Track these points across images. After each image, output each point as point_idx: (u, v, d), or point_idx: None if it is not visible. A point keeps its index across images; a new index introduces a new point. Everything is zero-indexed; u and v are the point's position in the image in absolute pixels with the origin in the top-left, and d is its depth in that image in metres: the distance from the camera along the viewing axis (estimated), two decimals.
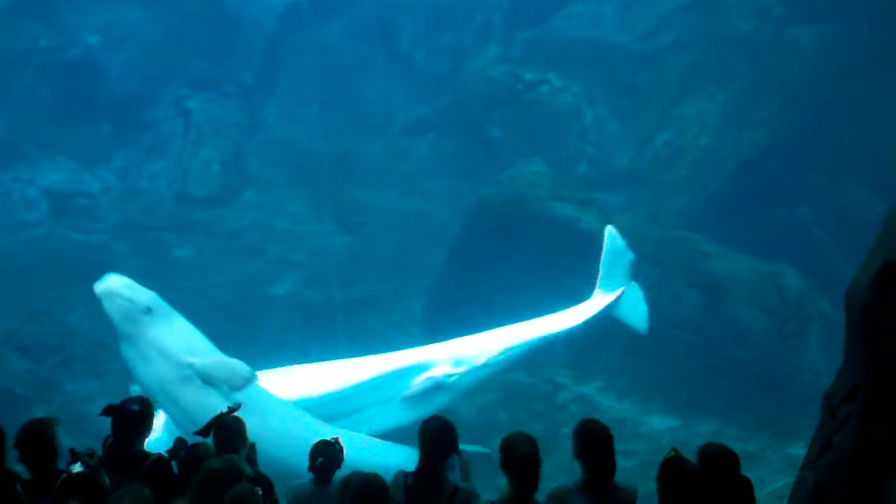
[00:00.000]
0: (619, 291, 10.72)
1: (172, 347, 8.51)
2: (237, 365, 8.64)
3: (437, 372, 9.96)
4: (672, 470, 4.60)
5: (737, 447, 4.82)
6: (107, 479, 4.91)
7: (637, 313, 10.76)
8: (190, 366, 8.51)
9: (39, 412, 9.70)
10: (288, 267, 13.46)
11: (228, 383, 8.55)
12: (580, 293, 11.38)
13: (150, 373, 8.52)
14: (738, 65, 13.66)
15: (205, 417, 5.51)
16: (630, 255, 10.88)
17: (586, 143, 14.55)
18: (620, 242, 10.88)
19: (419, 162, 15.32)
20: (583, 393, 11.19)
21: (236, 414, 5.40)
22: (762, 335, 10.97)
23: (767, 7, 13.77)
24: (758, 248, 11.61)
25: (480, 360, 10.16)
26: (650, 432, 10.53)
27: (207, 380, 8.55)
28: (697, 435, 9.85)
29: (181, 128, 14.88)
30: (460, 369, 10.04)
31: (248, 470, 4.94)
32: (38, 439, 4.93)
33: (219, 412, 5.41)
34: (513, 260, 12.17)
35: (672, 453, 4.67)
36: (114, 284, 8.47)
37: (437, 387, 9.90)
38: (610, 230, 10.97)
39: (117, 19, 14.84)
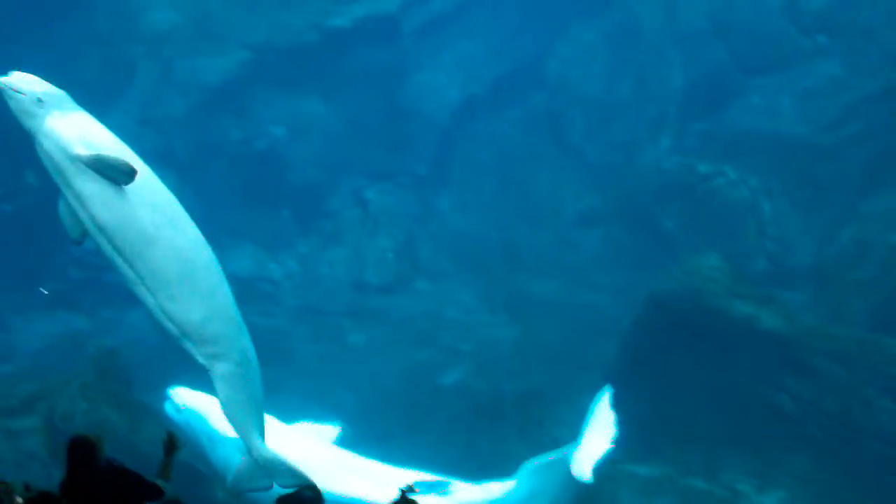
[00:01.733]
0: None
1: (63, 138, 8.43)
2: (117, 162, 8.45)
3: None
4: None
5: None
6: None
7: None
8: (79, 157, 8.43)
9: (220, 493, 10.04)
10: (457, 356, 13.56)
11: (115, 179, 8.46)
12: (757, 395, 10.97)
13: (50, 166, 8.56)
14: None
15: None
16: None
17: (765, 238, 14.16)
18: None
19: (589, 254, 15.26)
20: None
21: None
22: None
23: None
24: None
25: None
26: None
27: (98, 171, 8.45)
28: None
29: (359, 217, 15.41)
30: None
31: None
32: None
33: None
34: (687, 357, 11.85)
35: None
36: (11, 79, 8.45)
37: None
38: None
39: (301, 112, 15.60)
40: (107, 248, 8.71)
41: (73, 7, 15.33)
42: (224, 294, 9.19)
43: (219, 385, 9.00)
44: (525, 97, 16.71)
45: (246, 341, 9.27)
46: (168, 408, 10.39)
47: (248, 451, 9.16)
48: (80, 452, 5.48)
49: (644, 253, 14.45)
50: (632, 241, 14.91)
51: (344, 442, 10.41)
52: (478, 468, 11.10)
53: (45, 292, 13.36)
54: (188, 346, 8.94)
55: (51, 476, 9.60)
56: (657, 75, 16.13)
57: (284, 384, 11.21)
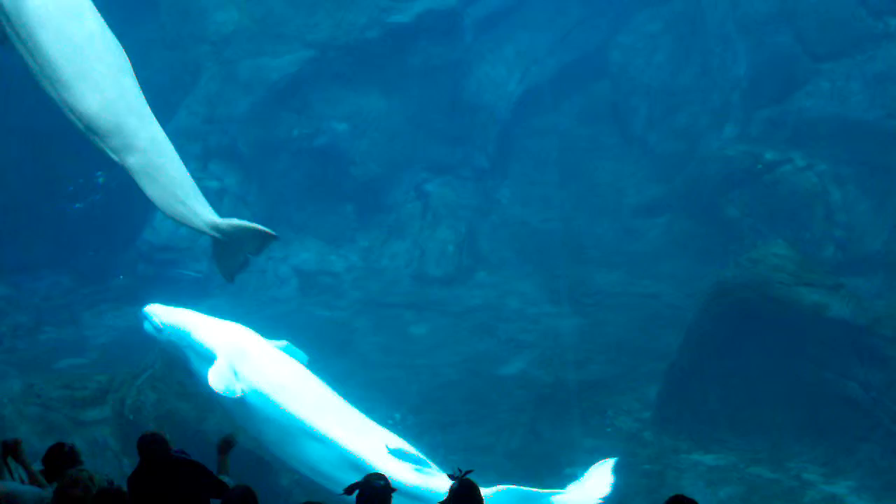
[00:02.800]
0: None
1: None
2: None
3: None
4: None
5: None
6: None
7: None
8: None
9: (284, 480, 10.18)
10: (518, 347, 13.53)
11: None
12: (825, 384, 10.70)
13: None
14: None
15: None
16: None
17: (834, 225, 13.83)
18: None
19: (652, 243, 15.09)
20: (833, 493, 10.40)
21: None
22: None
23: None
24: None
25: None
26: None
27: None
28: None
29: (419, 210, 15.49)
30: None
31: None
32: None
33: None
34: (753, 346, 11.63)
35: None
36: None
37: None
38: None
39: (362, 108, 15.75)
40: (10, 33, 8.88)
41: (140, 10, 15.70)
42: (123, 83, 9.13)
43: (138, 179, 9.03)
44: (586, 87, 16.62)
45: (154, 129, 9.21)
46: (147, 328, 10.30)
47: (200, 230, 9.19)
48: (150, 449, 5.58)
49: (708, 242, 14.23)
50: (695, 230, 14.70)
51: (406, 429, 10.43)
52: (542, 456, 11.09)
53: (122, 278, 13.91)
54: (95, 140, 9.02)
55: (122, 466, 9.86)
56: (721, 62, 15.88)
57: (347, 375, 11.33)
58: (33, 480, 5.56)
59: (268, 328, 10.22)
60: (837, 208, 13.94)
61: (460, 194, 15.60)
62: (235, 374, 9.50)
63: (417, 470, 9.22)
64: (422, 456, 9.41)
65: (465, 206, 15.50)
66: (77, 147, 14.87)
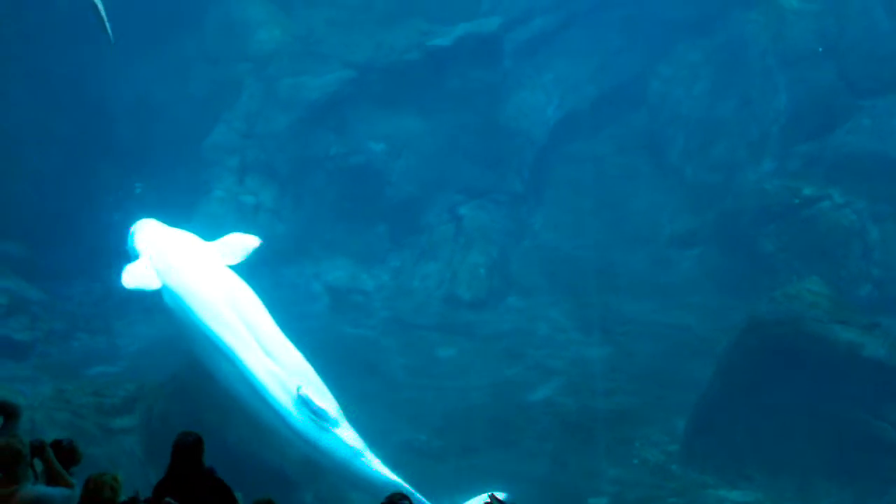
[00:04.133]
0: None
1: None
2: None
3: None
4: None
5: None
6: None
7: None
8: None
9: (308, 496, 10.18)
10: (546, 373, 13.45)
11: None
12: (857, 424, 10.52)
13: None
14: None
15: None
16: None
17: (871, 264, 13.66)
18: None
19: (684, 274, 14.98)
20: None
21: None
22: None
23: None
24: None
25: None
26: None
27: None
28: None
29: (452, 232, 15.49)
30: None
31: None
32: None
33: None
34: (784, 382, 11.49)
35: None
36: None
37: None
38: None
39: (399, 129, 15.82)
40: None
41: (186, 26, 15.93)
42: None
43: None
44: (624, 116, 16.59)
45: None
46: (130, 242, 10.72)
47: None
48: (186, 455, 5.54)
49: (741, 275, 14.11)
50: (728, 263, 14.57)
51: (429, 453, 10.41)
52: (567, 485, 10.99)
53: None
54: None
55: (147, 475, 9.88)
56: (761, 95, 15.80)
57: (372, 393, 11.32)
58: (60, 480, 5.56)
59: (296, 342, 10.28)
60: (875, 246, 13.78)
61: (494, 218, 15.59)
62: (159, 274, 10.11)
63: (314, 420, 9.42)
64: (332, 410, 9.57)
65: (497, 230, 15.48)
66: (117, 158, 15.15)
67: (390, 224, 15.49)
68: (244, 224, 12.84)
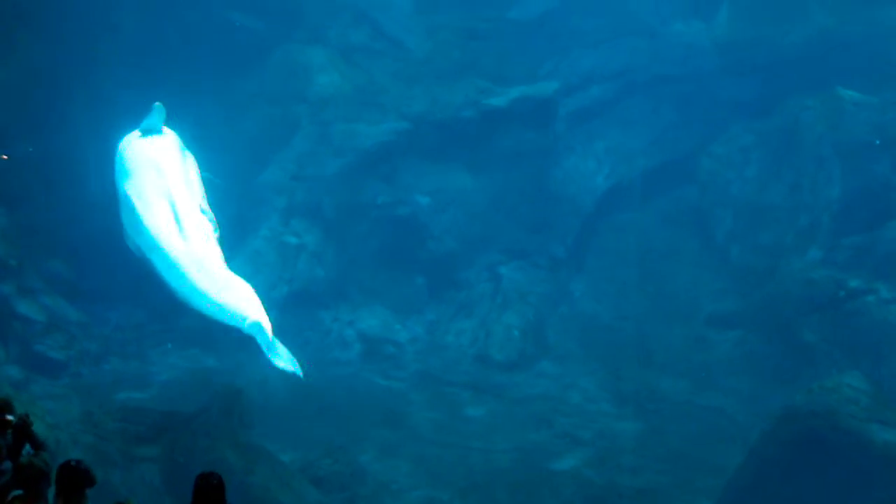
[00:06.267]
0: None
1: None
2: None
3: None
4: None
5: None
6: None
7: None
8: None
9: None
10: (574, 443, 13.27)
11: None
12: None
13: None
14: None
15: None
16: None
17: None
18: None
19: (722, 356, 14.77)
20: None
21: None
22: None
23: None
24: None
25: None
26: None
27: None
28: None
29: (490, 291, 15.45)
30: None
31: None
32: None
33: None
34: (815, 477, 11.22)
35: None
36: None
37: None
38: None
39: (448, 184, 15.91)
40: None
41: (249, 65, 16.23)
42: None
43: None
44: (673, 190, 16.53)
45: None
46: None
47: None
48: (207, 498, 5.48)
49: (780, 363, 13.88)
50: (768, 349, 14.35)
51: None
52: None
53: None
54: None
55: None
56: (813, 183, 15.68)
57: (396, 446, 11.23)
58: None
59: (325, 388, 10.27)
60: None
61: (533, 281, 15.54)
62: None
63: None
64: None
65: (536, 294, 15.42)
66: None
67: (429, 277, 15.49)
68: (285, 264, 12.92)
